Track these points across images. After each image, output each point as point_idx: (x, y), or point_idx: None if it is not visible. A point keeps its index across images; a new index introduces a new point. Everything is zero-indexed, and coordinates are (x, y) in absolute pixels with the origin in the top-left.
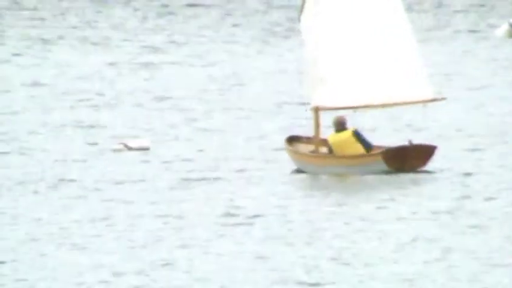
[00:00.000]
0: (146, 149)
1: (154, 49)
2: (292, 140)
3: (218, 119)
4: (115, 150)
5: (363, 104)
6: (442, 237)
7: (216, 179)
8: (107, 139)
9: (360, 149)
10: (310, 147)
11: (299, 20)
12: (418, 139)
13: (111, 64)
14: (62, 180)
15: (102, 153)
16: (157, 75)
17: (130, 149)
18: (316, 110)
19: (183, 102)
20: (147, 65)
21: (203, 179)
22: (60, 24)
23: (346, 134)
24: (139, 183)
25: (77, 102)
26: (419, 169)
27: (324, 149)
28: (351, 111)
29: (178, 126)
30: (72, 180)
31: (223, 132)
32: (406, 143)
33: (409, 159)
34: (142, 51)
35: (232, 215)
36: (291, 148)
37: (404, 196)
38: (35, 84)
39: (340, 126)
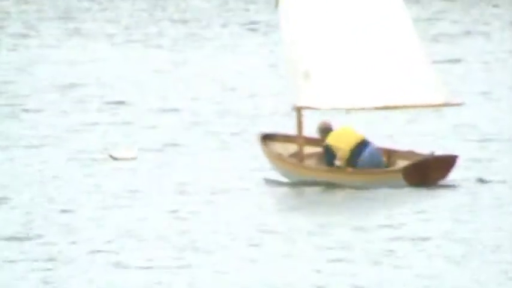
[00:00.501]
0: (132, 158)
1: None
2: (267, 138)
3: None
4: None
5: (356, 105)
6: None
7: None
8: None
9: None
10: (289, 147)
11: (276, 6)
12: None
13: None
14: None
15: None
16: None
17: (115, 159)
18: (299, 109)
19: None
20: None
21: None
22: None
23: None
24: (123, 196)
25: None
26: (439, 182)
27: (308, 150)
28: (336, 112)
29: (169, 133)
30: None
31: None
32: (428, 154)
33: (430, 172)
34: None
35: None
36: (278, 153)
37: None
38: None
39: (326, 132)
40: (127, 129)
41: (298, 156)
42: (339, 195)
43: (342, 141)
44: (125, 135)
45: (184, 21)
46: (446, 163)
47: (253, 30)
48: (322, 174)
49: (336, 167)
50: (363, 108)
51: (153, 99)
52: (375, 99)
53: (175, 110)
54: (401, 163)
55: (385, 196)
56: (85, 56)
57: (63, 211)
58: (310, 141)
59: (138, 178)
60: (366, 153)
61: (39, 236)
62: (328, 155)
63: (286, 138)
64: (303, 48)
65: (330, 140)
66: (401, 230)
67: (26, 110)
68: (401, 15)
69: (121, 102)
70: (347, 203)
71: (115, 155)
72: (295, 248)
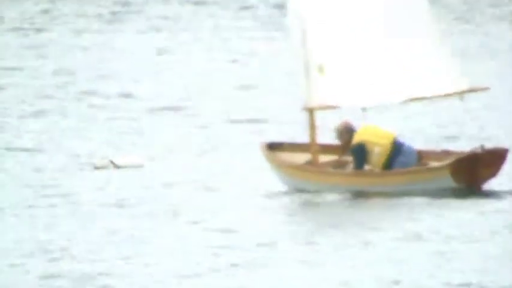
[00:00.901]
0: (139, 166)
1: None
2: (272, 148)
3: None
4: (98, 168)
5: (378, 101)
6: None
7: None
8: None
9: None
10: (298, 157)
11: None
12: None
13: None
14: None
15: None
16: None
17: (118, 167)
18: (311, 110)
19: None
20: None
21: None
22: None
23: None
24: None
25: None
26: (489, 180)
27: (322, 159)
28: (353, 110)
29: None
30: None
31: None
32: (476, 148)
33: (480, 168)
34: None
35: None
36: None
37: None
38: None
39: (349, 134)
40: (132, 131)
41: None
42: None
43: (378, 136)
44: (129, 138)
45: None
46: (496, 157)
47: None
48: (351, 180)
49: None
50: (387, 104)
51: (159, 96)
52: (397, 93)
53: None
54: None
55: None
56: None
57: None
58: (325, 149)
59: (145, 190)
60: (405, 152)
61: None
62: (360, 155)
63: (295, 147)
64: (315, 40)
65: (362, 136)
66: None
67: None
68: (419, 4)
69: (126, 97)
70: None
71: (118, 161)
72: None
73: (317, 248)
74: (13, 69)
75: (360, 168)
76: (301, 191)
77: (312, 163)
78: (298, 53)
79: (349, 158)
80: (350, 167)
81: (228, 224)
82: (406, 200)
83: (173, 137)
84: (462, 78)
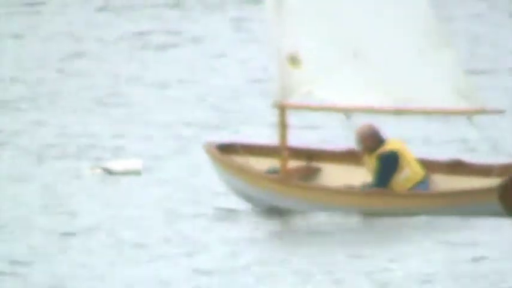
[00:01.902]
0: (136, 172)
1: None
2: (223, 150)
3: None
4: (93, 174)
5: (362, 105)
6: None
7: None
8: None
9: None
10: (258, 163)
11: None
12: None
13: None
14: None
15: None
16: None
17: (112, 173)
18: (283, 107)
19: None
20: None
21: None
22: None
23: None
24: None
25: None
26: None
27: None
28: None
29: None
30: None
31: None
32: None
33: None
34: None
35: None
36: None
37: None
38: None
39: (373, 142)
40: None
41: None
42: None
43: (412, 159)
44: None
45: None
46: None
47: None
48: (370, 201)
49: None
50: (370, 109)
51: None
52: (387, 99)
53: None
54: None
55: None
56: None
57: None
58: (296, 154)
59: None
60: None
61: None
62: (392, 165)
63: (252, 150)
64: (290, 24)
65: (396, 147)
66: None
67: None
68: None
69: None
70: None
71: (111, 167)
72: None
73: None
74: None
75: (384, 181)
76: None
77: (277, 171)
78: (271, 40)
79: (318, 166)
80: (319, 177)
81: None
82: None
83: (172, 141)
84: (472, 94)
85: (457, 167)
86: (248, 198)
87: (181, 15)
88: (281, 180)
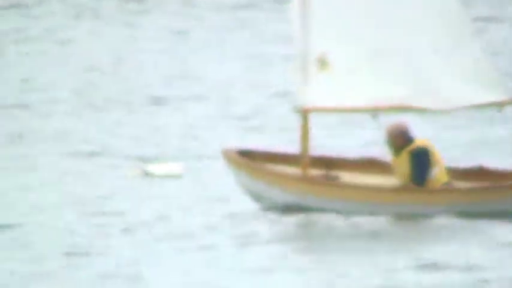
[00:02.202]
0: (176, 176)
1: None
2: (243, 156)
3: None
4: (133, 176)
5: (387, 105)
6: None
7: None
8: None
9: None
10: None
11: None
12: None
13: None
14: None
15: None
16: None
17: (151, 175)
18: (306, 111)
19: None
20: None
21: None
22: None
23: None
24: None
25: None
26: None
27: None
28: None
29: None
30: None
31: None
32: None
33: None
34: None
35: None
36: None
37: None
38: None
39: (403, 140)
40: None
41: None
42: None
43: (440, 158)
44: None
45: None
46: None
47: None
48: (385, 196)
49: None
50: (396, 109)
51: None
52: (412, 97)
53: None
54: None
55: None
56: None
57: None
58: (314, 162)
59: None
60: None
61: None
62: (426, 160)
63: (270, 157)
64: (319, 28)
65: (425, 144)
66: None
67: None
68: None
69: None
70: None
71: (151, 169)
72: None
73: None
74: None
75: (422, 178)
76: (304, 211)
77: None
78: (296, 41)
79: (337, 174)
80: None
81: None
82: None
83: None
84: (498, 86)
85: (479, 174)
86: (270, 201)
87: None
88: (311, 179)
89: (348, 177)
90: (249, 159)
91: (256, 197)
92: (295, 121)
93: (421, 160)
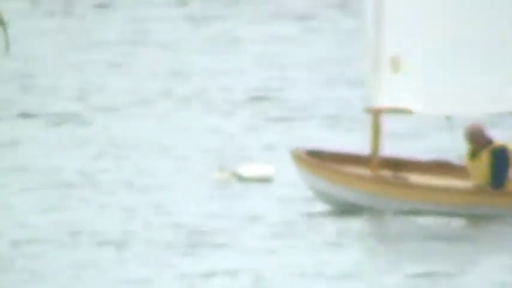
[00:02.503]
0: (267, 179)
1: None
2: (314, 156)
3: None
4: (218, 181)
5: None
6: None
7: None
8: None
9: None
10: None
11: None
12: None
13: None
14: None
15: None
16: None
17: (242, 179)
18: (378, 112)
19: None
20: None
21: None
22: None
23: None
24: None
25: None
26: None
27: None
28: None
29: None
30: None
31: None
32: None
33: None
34: None
35: None
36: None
37: None
38: None
39: (485, 140)
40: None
41: None
42: None
43: None
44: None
45: None
46: None
47: None
48: (461, 197)
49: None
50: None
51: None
52: (486, 103)
53: None
54: None
55: None
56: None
57: None
58: (382, 163)
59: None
60: None
61: None
62: (504, 162)
63: (341, 158)
64: (392, 29)
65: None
66: None
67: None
68: None
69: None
70: None
71: (241, 172)
72: None
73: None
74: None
75: (503, 178)
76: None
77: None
78: (369, 41)
79: (405, 176)
80: None
81: None
82: None
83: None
84: None
85: None
86: (339, 202)
87: None
88: (384, 180)
89: (416, 179)
90: (319, 160)
91: (325, 198)
92: (366, 121)
93: (502, 160)
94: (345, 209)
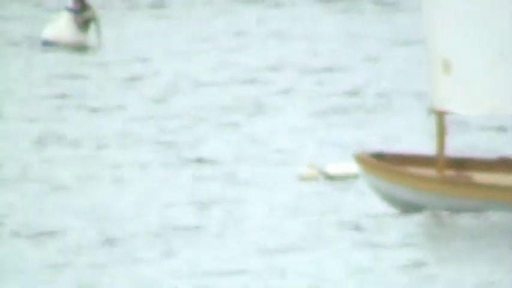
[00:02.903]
0: (354, 176)
1: None
2: (379, 159)
3: None
4: (305, 179)
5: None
6: None
7: None
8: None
9: None
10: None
11: None
12: None
13: None
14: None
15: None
16: None
17: (329, 176)
18: (441, 114)
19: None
20: None
21: None
22: None
23: None
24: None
25: None
26: None
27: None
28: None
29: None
30: None
31: None
32: None
33: None
34: None
35: None
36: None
37: None
38: None
39: None
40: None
41: None
42: None
43: None
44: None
45: None
46: None
47: None
48: None
49: None
50: None
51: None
52: None
53: None
54: None
55: None
56: None
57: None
58: (449, 163)
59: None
60: None
61: None
62: None
63: (405, 160)
64: (444, 31)
65: None
66: None
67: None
68: None
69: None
70: None
71: (329, 170)
72: None
73: None
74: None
75: None
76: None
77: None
78: (427, 43)
79: (469, 175)
80: None
81: None
82: None
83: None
84: None
85: None
86: (405, 203)
87: None
88: (452, 180)
89: (480, 178)
90: (383, 162)
91: (390, 200)
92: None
93: None
94: (412, 210)
